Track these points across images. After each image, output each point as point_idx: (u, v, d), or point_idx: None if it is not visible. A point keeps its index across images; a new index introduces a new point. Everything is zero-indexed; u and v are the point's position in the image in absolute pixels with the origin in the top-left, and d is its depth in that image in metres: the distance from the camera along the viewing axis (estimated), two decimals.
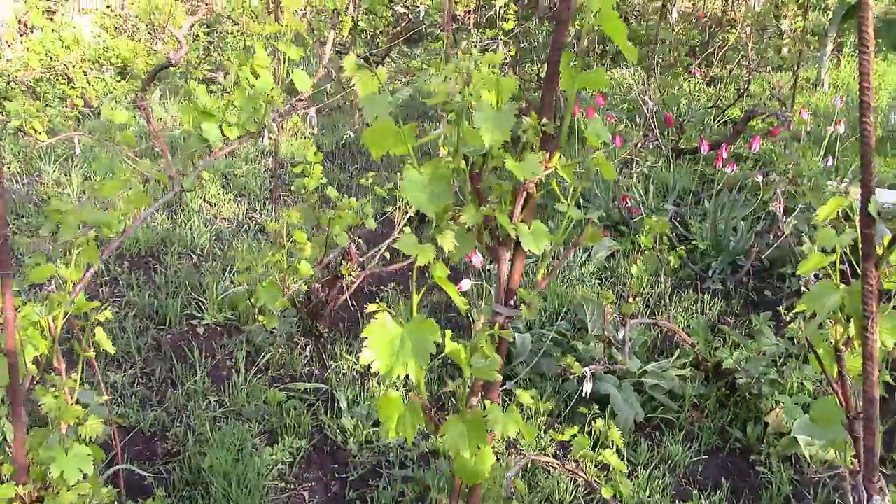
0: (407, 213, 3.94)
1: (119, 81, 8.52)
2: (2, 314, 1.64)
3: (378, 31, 8.34)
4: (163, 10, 5.02)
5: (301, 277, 3.25)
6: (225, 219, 5.61)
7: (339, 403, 3.40)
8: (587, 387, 2.92)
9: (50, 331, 1.89)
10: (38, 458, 1.73)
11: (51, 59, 7.04)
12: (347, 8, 7.43)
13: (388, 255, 4.15)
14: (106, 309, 2.07)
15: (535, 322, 4.08)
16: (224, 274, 4.58)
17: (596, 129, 1.49)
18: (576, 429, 2.53)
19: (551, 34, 1.41)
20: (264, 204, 5.84)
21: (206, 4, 5.54)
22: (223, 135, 2.45)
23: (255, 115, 2.49)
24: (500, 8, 4.72)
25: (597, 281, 4.67)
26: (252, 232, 5.32)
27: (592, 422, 3.11)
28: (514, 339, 3.60)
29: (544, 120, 1.55)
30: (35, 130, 5.22)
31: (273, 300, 2.83)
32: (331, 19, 7.13)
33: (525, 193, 1.58)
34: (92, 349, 2.13)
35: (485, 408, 1.71)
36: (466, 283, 3.60)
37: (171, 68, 6.30)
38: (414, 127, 1.46)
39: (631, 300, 3.30)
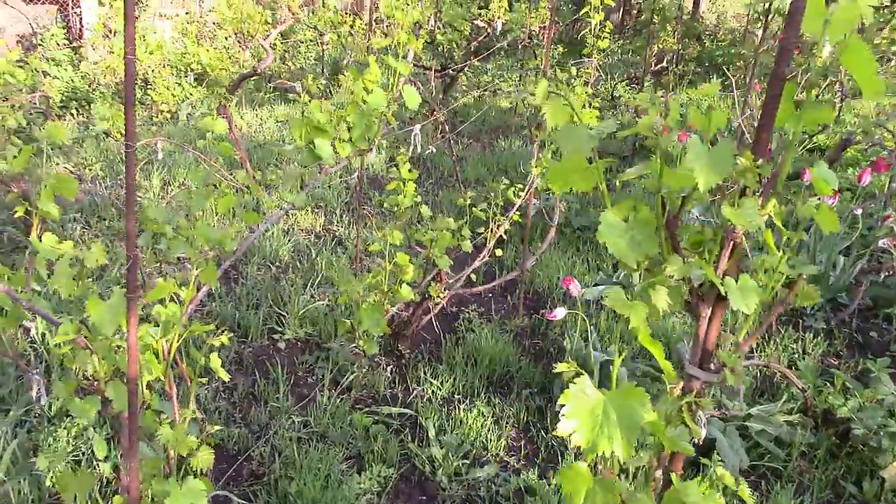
0: (497, 234, 3.81)
1: (196, 87, 8.61)
2: (124, 338, 1.56)
3: (455, 45, 8.25)
4: (252, 19, 5.00)
5: (401, 300, 3.14)
6: (303, 230, 5.57)
7: (427, 431, 3.27)
8: (702, 432, 2.74)
9: (163, 354, 1.81)
10: (152, 491, 1.64)
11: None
12: (428, 21, 7.37)
13: (473, 276, 4.03)
14: (222, 333, 1.99)
15: (626, 352, 3.91)
16: (305, 288, 4.52)
17: (823, 174, 1.33)
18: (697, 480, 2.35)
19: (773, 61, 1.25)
20: (341, 217, 5.78)
21: (294, 14, 5.51)
22: (335, 151, 2.35)
23: (368, 132, 2.39)
24: (595, 25, 4.57)
25: (684, 311, 4.46)
26: (330, 245, 5.25)
27: (701, 468, 2.94)
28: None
29: (759, 161, 1.39)
30: (121, 134, 5.23)
31: (376, 325, 2.73)
32: (413, 31, 7.08)
33: (732, 243, 1.43)
34: (187, 368, 2.05)
35: (669, 480, 1.54)
36: (561, 312, 3.44)
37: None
38: (604, 163, 1.33)
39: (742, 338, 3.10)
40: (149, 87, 7.83)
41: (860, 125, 8.15)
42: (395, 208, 3.47)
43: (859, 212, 5.10)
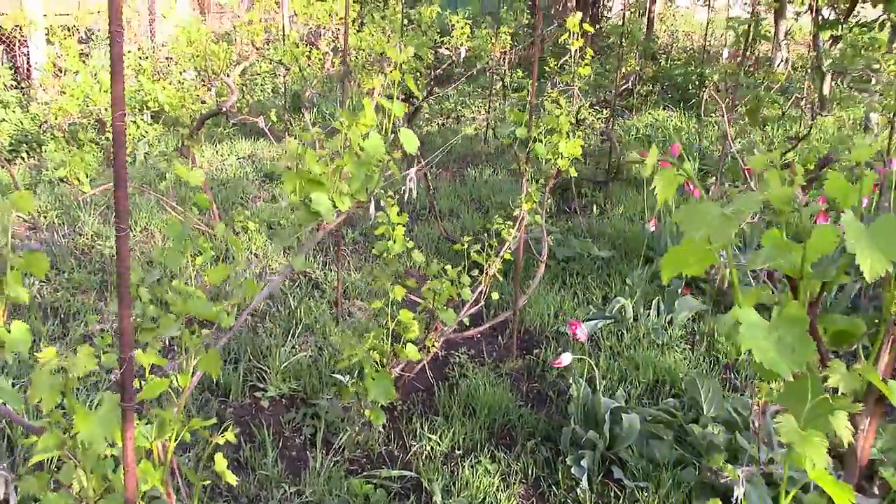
0: (490, 276, 3.61)
1: (152, 125, 8.28)
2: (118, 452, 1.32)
3: (420, 74, 8.09)
4: (216, 56, 4.77)
5: (405, 360, 2.91)
6: (276, 273, 5.30)
7: (432, 496, 3.03)
8: (738, 492, 2.55)
9: (159, 457, 1.56)
10: None
11: (86, 103, 6.80)
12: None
13: (466, 320, 3.82)
14: (227, 429, 1.74)
15: (632, 394, 3.73)
16: (285, 338, 4.25)
17: None
18: None
19: None
20: (314, 257, 5.53)
21: (258, 50, 5.28)
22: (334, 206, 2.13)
23: (369, 183, 2.18)
24: (575, 52, 4.42)
25: (686, 346, 4.31)
26: (307, 288, 4.99)
27: None
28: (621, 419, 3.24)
29: None
30: (78, 181, 4.94)
31: (384, 394, 2.49)
32: (378, 63, 6.89)
33: (892, 338, 1.23)
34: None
35: None
36: (567, 358, 3.25)
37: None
38: (720, 246, 1.12)
39: (769, 384, 2.93)
40: (104, 127, 7.50)
41: (832, 140, 8.18)
42: (385, 254, 3.25)
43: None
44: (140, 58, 8.50)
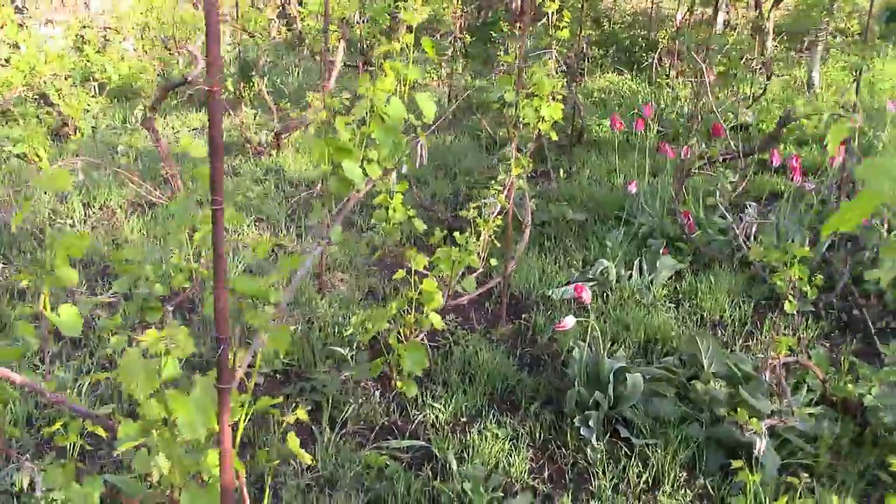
0: (488, 242, 3.59)
1: (98, 99, 7.94)
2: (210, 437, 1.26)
3: (376, 39, 7.96)
4: (185, 23, 4.57)
5: (425, 328, 2.87)
6: (246, 246, 5.17)
7: (449, 465, 3.02)
8: (761, 445, 2.61)
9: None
10: None
11: (30, 75, 6.48)
12: (354, 16, 7.05)
13: (461, 287, 3.79)
14: (298, 408, 1.68)
15: (626, 354, 3.77)
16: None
17: None
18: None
19: None
20: (287, 230, 5.42)
21: (222, 16, 5.06)
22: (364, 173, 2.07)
23: (397, 150, 2.12)
24: (552, 14, 4.39)
25: (671, 304, 4.38)
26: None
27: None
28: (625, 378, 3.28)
29: None
30: (38, 157, 4.71)
31: (419, 364, 2.44)
32: (340, 29, 6.74)
33: None
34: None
35: None
36: (571, 320, 3.27)
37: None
38: None
39: (784, 336, 2.98)
40: (45, 101, 7.15)
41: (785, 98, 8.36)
42: (385, 224, 3.19)
43: (810, 187, 5.17)
44: (82, 27, 8.12)
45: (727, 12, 12.87)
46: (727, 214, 5.29)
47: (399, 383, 2.74)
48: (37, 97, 7.08)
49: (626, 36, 12.67)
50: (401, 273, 2.90)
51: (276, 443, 1.65)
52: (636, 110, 8.47)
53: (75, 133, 6.23)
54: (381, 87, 2.25)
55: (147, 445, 1.43)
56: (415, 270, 2.79)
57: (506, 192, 3.87)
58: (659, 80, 9.74)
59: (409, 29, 2.45)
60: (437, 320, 2.59)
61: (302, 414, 1.66)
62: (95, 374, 2.62)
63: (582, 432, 3.17)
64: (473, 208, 3.40)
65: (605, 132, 8.08)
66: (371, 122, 2.13)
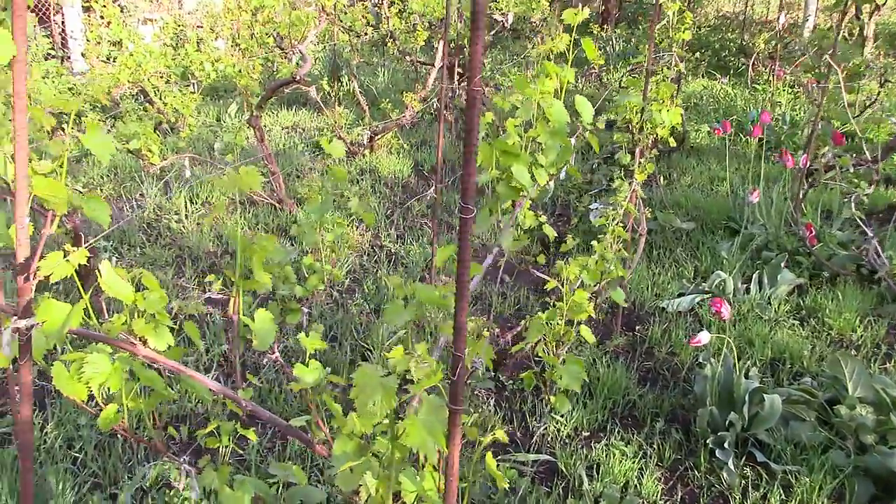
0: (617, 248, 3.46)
1: (186, 95, 8.06)
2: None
3: (467, 40, 7.87)
4: (301, 23, 4.56)
5: (571, 341, 2.76)
6: (348, 247, 5.14)
7: (577, 482, 2.91)
8: None
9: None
10: None
11: (137, 73, 6.59)
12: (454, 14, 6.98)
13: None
14: (493, 429, 1.60)
15: (757, 372, 3.59)
16: (378, 314, 4.12)
17: None
18: None
19: None
20: (388, 230, 5.38)
21: (329, 15, 5.06)
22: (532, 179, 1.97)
23: (565, 154, 2.02)
24: (673, 14, 4.23)
25: (794, 321, 4.17)
26: (387, 264, 4.84)
27: None
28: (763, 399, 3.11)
29: None
30: (150, 153, 4.76)
31: (577, 380, 2.32)
32: (439, 29, 6.68)
33: None
34: None
35: None
36: (705, 336, 3.11)
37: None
38: None
39: None
40: (146, 98, 7.29)
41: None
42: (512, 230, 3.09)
43: None
44: (177, 26, 8.26)
45: (816, 16, 12.44)
46: (845, 227, 5.04)
47: (552, 398, 2.64)
48: (138, 94, 7.22)
49: (715, 39, 12.34)
50: (552, 283, 2.79)
51: (474, 462, 1.56)
52: (735, 116, 8.23)
53: (183, 130, 6.32)
54: (542, 88, 2.16)
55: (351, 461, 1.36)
56: (567, 279, 2.67)
57: (628, 198, 3.73)
58: (755, 85, 9.43)
59: (568, 29, 2.34)
60: (587, 333, 2.48)
61: (501, 435, 1.57)
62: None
63: (717, 454, 3.01)
64: (606, 215, 3.28)
65: (702, 138, 7.85)
66: (537, 124, 2.04)
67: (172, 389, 2.12)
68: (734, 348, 3.82)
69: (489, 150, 1.96)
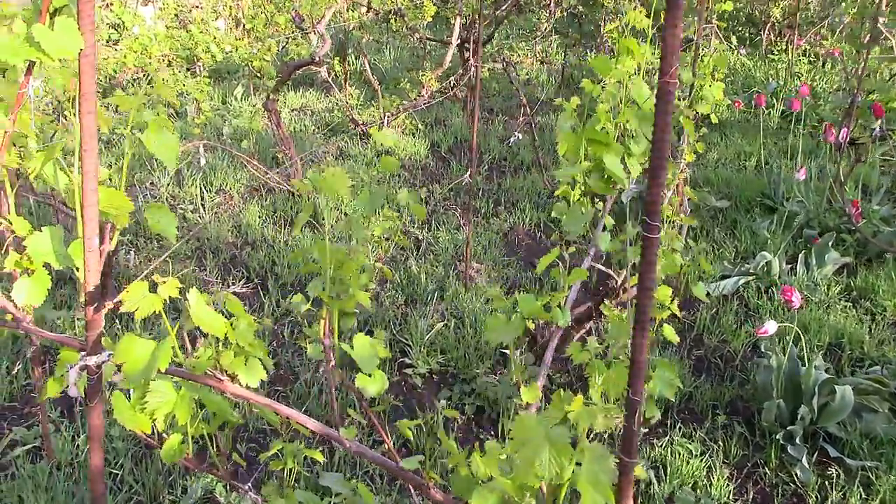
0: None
1: (196, 78, 7.83)
2: None
3: (478, 15, 7.62)
4: (322, 2, 4.35)
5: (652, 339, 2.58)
6: (374, 236, 4.95)
7: (648, 482, 2.75)
8: None
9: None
10: None
11: (140, 56, 6.36)
12: None
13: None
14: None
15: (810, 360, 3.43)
16: (413, 307, 3.95)
17: None
18: None
19: None
20: (412, 219, 5.19)
21: None
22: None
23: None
24: None
25: (846, 302, 4.00)
26: (416, 253, 4.66)
27: None
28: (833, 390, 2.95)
29: None
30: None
31: (671, 385, 2.15)
32: (455, 6, 6.45)
33: None
34: None
35: None
36: (773, 326, 2.94)
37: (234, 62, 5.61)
38: None
39: None
40: (149, 83, 7.06)
41: None
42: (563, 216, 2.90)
43: None
44: (177, 7, 8.00)
45: None
46: (884, 202, 4.87)
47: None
48: (139, 78, 6.99)
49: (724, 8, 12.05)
50: (634, 280, 2.61)
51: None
52: (755, 88, 8.01)
53: (198, 116, 6.09)
54: (626, 68, 1.96)
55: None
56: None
57: (677, 180, 3.55)
58: (772, 56, 9.19)
59: (643, 4, 2.15)
60: (670, 333, 2.30)
61: (640, 472, 1.40)
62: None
63: (789, 450, 2.85)
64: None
65: (722, 112, 7.64)
66: (623, 108, 1.85)
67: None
68: (786, 333, 3.67)
69: (575, 140, 1.78)
